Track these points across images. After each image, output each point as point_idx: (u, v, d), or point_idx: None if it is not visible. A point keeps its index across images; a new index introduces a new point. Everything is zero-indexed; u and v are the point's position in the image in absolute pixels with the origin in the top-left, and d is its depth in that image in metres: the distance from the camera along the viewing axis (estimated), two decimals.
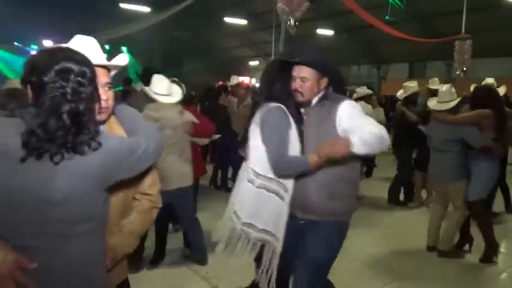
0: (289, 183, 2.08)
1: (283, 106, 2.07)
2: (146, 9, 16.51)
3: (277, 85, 2.12)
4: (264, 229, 2.06)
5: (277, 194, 2.06)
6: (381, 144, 1.95)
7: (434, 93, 5.61)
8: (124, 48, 19.88)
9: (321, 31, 19.02)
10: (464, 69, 10.10)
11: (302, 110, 2.18)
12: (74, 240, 1.24)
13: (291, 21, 6.84)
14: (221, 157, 6.34)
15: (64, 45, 1.32)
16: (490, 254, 3.72)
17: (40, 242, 1.20)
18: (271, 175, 2.04)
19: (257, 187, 2.05)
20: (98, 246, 1.34)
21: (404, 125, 5.36)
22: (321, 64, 2.12)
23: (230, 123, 5.88)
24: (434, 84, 6.55)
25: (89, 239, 1.28)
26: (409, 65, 20.56)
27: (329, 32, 19.39)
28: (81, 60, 1.21)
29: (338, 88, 2.22)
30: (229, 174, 6.10)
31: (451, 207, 3.88)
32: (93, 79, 1.23)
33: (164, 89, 3.31)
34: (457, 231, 3.86)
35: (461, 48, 10.03)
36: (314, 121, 2.13)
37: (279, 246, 2.09)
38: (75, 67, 1.18)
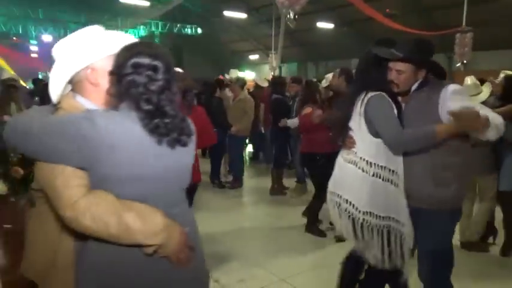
0: (400, 170, 2.12)
1: (384, 93, 2.10)
2: (145, 3, 16.46)
3: (375, 74, 2.14)
4: (385, 216, 2.11)
5: (391, 182, 2.10)
6: (500, 133, 1.90)
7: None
8: None
9: (321, 24, 18.93)
10: (465, 61, 10.08)
11: (399, 99, 2.16)
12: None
13: (291, 14, 6.82)
14: (213, 152, 6.41)
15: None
16: (509, 248, 3.73)
17: (176, 210, 1.36)
18: (382, 163, 2.08)
19: (372, 176, 2.09)
20: None
21: None
22: (417, 59, 2.11)
23: (225, 116, 5.98)
24: None
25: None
26: None
27: (329, 25, 19.30)
28: (156, 54, 1.29)
29: (439, 78, 2.22)
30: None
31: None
32: (166, 72, 1.29)
33: None
34: (485, 224, 3.86)
35: (461, 41, 10.01)
36: (414, 107, 2.12)
37: (406, 230, 2.14)
38: (147, 62, 1.26)
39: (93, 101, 1.38)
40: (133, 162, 1.24)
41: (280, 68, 16.93)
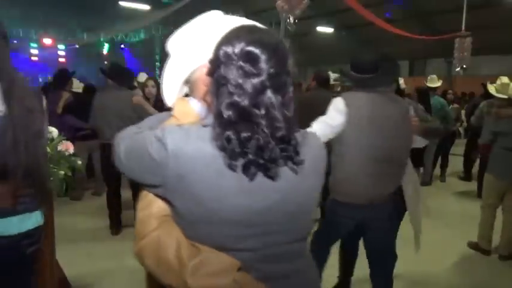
0: None
1: None
2: (146, 7, 16.47)
3: None
4: None
5: None
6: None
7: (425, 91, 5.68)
8: (122, 46, 19.83)
9: (320, 28, 18.98)
10: (464, 66, 10.08)
11: None
12: None
13: (291, 18, 6.83)
14: None
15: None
16: None
17: (284, 269, 1.03)
18: None
19: None
20: None
21: None
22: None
23: None
24: (432, 81, 6.57)
25: None
26: (409, 62, 20.53)
27: (329, 30, 19.35)
28: (254, 39, 0.94)
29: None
30: None
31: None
32: (271, 63, 0.93)
33: None
34: None
35: (461, 46, 10.00)
36: None
37: None
38: (238, 49, 0.93)
39: (205, 105, 1.06)
40: (205, 197, 0.92)
41: None
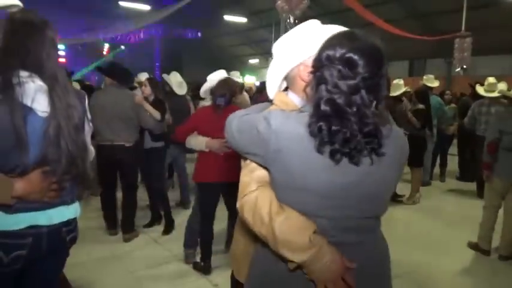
0: None
1: None
2: (146, 7, 16.49)
3: None
4: None
5: None
6: None
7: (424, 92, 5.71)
8: (122, 47, 19.84)
9: None
10: (464, 67, 10.09)
11: None
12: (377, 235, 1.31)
13: (291, 19, 6.84)
14: None
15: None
16: None
17: (352, 239, 1.21)
18: None
19: None
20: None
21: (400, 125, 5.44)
22: None
23: None
24: (429, 81, 6.58)
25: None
26: (409, 63, 20.54)
27: None
28: (355, 46, 1.11)
29: None
30: None
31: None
32: (367, 68, 1.08)
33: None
34: None
35: (461, 46, 10.01)
36: None
37: None
38: (339, 54, 1.10)
39: (303, 97, 1.29)
40: (296, 170, 1.13)
41: None
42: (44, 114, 1.45)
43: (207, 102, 3.69)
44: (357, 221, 1.20)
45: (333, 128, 1.07)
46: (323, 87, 1.09)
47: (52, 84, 1.48)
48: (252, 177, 1.24)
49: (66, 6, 16.01)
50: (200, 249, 3.47)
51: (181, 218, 4.52)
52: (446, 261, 3.78)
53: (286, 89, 1.44)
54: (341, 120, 1.07)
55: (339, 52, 1.07)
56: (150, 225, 4.56)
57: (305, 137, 1.11)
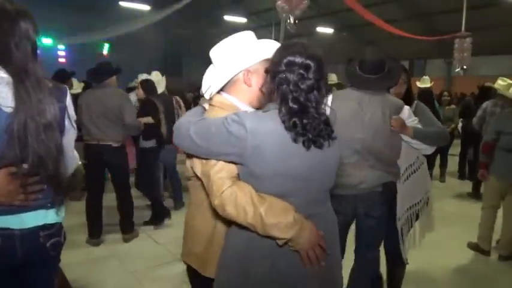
0: None
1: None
2: (146, 7, 16.48)
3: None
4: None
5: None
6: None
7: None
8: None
9: (320, 29, 18.99)
10: (465, 67, 10.09)
11: None
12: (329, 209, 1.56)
13: (291, 19, 6.84)
14: None
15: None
16: None
17: (316, 210, 1.45)
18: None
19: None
20: None
21: None
22: None
23: None
24: (424, 82, 6.58)
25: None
26: (409, 63, 20.53)
27: (329, 30, 19.37)
28: (310, 54, 1.33)
29: None
30: None
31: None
32: (317, 72, 1.34)
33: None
34: None
35: (461, 46, 10.02)
36: None
37: None
38: (300, 60, 1.32)
39: (240, 99, 1.55)
40: (274, 160, 1.33)
41: None
42: (8, 110, 1.33)
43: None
44: (317, 195, 1.46)
45: (304, 121, 1.32)
46: (286, 88, 1.32)
47: (20, 77, 1.35)
48: (224, 175, 1.38)
49: (66, 6, 16.01)
50: None
51: (180, 218, 4.53)
52: (446, 261, 3.78)
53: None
54: (306, 114, 1.33)
55: (299, 58, 1.32)
56: (151, 222, 4.56)
57: (281, 132, 1.32)
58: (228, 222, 1.50)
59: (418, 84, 6.35)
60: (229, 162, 1.39)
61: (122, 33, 14.50)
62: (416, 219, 2.66)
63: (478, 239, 3.94)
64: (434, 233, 4.42)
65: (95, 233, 4.04)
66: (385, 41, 17.73)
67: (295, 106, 1.31)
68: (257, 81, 1.52)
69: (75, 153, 1.66)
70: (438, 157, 6.88)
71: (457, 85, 16.44)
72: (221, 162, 1.39)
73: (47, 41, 16.61)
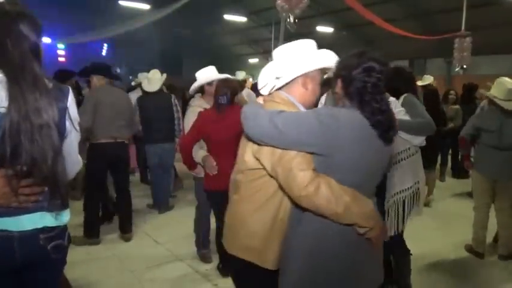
0: None
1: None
2: (146, 6, 16.46)
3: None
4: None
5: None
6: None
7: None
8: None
9: (320, 28, 18.96)
10: (465, 66, 10.07)
11: None
12: None
13: (291, 18, 6.82)
14: None
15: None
16: None
17: (373, 201, 1.61)
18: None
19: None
20: None
21: None
22: None
23: None
24: (425, 81, 6.54)
25: None
26: (409, 62, 20.51)
27: (329, 29, 19.34)
28: (382, 62, 1.53)
29: None
30: None
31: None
32: (384, 76, 1.53)
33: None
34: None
35: (461, 46, 10.00)
36: None
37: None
38: (377, 67, 1.51)
39: (297, 99, 1.70)
40: (357, 152, 1.48)
41: None
42: (2, 110, 1.31)
43: (197, 101, 3.68)
44: (374, 189, 1.63)
45: (385, 120, 1.51)
46: (364, 89, 1.50)
47: (15, 76, 1.34)
48: (305, 167, 1.45)
49: (66, 6, 15.99)
50: (218, 254, 3.40)
51: (180, 218, 4.53)
52: (445, 260, 3.78)
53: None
54: (384, 113, 1.51)
55: (375, 64, 1.51)
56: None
57: (366, 127, 1.48)
58: (289, 213, 1.63)
59: (420, 83, 6.32)
60: (309, 153, 1.48)
61: (122, 33, 14.48)
62: (403, 206, 2.72)
63: (472, 241, 3.92)
64: (433, 232, 4.45)
65: (95, 232, 4.02)
66: (385, 40, 17.71)
67: (377, 105, 1.49)
68: (312, 86, 1.70)
69: (79, 157, 1.62)
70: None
71: (456, 84, 16.43)
72: (301, 154, 1.47)
73: (46, 40, 16.60)
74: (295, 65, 1.66)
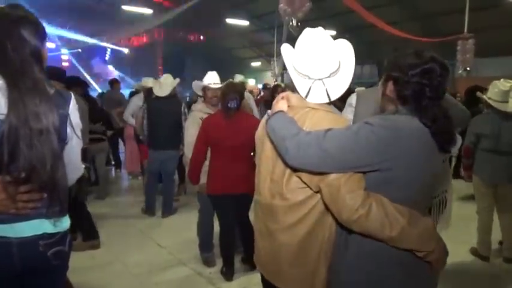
0: None
1: None
2: (148, 11, 16.54)
3: None
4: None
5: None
6: None
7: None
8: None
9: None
10: (468, 68, 10.05)
11: None
12: None
13: (293, 21, 6.83)
14: None
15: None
16: None
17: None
18: None
19: None
20: None
21: None
22: None
23: None
24: None
25: None
26: None
27: (331, 32, 19.36)
28: (444, 64, 1.37)
29: None
30: None
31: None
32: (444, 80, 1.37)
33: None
34: None
35: (463, 48, 9.99)
36: None
37: None
38: (438, 69, 1.34)
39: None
40: (418, 166, 1.31)
41: (282, 75, 16.96)
42: (1, 117, 1.29)
43: (199, 105, 3.72)
44: (429, 204, 1.52)
45: (447, 128, 1.33)
46: (423, 94, 1.33)
47: (15, 80, 1.32)
48: (356, 187, 1.30)
49: (69, 11, 16.08)
50: (222, 258, 3.40)
51: (182, 222, 4.52)
52: (450, 264, 3.76)
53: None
54: (446, 119, 1.34)
55: (435, 66, 1.33)
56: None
57: (427, 136, 1.31)
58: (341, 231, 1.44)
59: None
60: (364, 172, 1.33)
61: (125, 37, 14.54)
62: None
63: (477, 244, 3.91)
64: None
65: (95, 232, 4.03)
66: (387, 43, 17.72)
67: (435, 111, 1.32)
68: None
69: (81, 164, 1.60)
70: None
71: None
72: (350, 174, 1.31)
73: (50, 45, 16.68)
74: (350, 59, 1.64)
